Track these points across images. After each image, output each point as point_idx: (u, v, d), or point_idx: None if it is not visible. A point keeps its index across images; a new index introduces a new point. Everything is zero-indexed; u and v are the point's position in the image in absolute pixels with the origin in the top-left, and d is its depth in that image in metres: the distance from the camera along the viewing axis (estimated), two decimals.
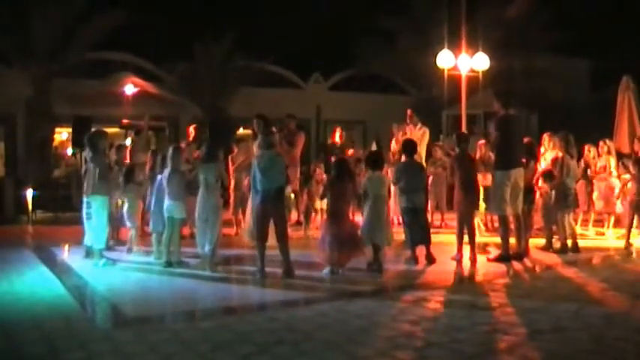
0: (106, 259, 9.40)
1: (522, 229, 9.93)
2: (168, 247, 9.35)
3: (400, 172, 9.43)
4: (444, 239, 10.61)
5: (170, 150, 9.64)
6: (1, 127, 21.86)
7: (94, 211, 9.35)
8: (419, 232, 9.37)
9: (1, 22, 17.77)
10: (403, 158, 9.80)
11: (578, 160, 11.64)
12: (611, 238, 11.99)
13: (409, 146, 9.80)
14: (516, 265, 9.39)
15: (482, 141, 12.23)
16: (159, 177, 9.78)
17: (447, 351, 5.56)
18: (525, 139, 10.38)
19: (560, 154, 10.76)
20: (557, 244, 10.53)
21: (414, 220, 9.34)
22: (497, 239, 10.03)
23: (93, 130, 11.04)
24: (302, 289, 7.98)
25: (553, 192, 10.41)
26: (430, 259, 9.35)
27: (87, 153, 9.55)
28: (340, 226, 8.63)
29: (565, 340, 5.85)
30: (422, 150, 11.80)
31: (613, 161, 12.41)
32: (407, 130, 12.25)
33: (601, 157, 12.51)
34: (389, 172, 10.37)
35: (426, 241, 9.45)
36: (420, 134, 12.06)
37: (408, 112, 12.44)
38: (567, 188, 10.44)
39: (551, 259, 9.94)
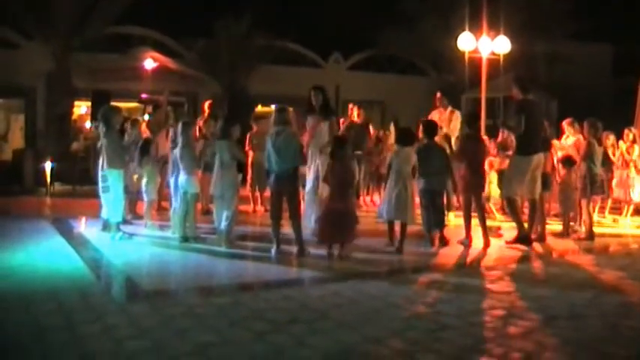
0: (122, 233, 9.48)
1: (539, 215, 9.89)
2: (184, 223, 9.41)
3: (419, 154, 9.37)
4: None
5: (180, 125, 9.69)
6: (21, 100, 21.98)
7: (111, 185, 9.42)
8: (435, 214, 9.33)
9: None
10: (424, 140, 9.72)
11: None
12: (628, 226, 11.91)
13: (429, 128, 9.70)
14: (532, 250, 9.34)
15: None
16: (173, 152, 9.82)
17: (461, 334, 5.56)
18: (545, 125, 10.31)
19: (582, 140, 10.70)
20: (576, 230, 10.52)
21: (430, 203, 9.30)
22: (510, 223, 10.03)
23: (106, 105, 11.04)
24: (317, 268, 7.98)
25: (579, 178, 10.36)
26: (443, 242, 9.34)
27: (100, 128, 9.59)
28: (336, 204, 8.55)
29: (580, 327, 5.84)
30: (454, 133, 11.59)
31: (637, 149, 12.27)
32: (436, 114, 11.97)
33: (625, 145, 12.38)
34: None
35: (441, 225, 9.42)
36: (451, 117, 11.82)
37: (438, 94, 12.15)
38: (594, 174, 10.37)
39: (568, 245, 9.89)
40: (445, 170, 9.46)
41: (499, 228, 10.86)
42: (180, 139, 9.46)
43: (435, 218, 9.32)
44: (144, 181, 10.67)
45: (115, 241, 9.28)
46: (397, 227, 9.14)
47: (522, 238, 9.45)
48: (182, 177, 9.39)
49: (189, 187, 9.41)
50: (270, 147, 8.57)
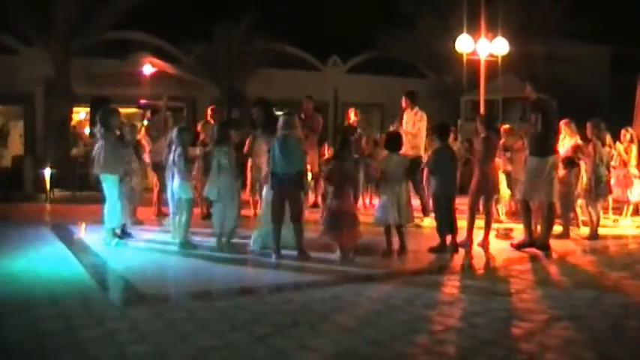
0: (118, 239, 9.43)
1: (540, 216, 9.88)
2: (181, 228, 9.31)
3: (435, 158, 9.35)
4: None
5: (175, 131, 9.58)
6: (20, 106, 21.97)
7: (105, 190, 9.32)
8: (447, 220, 9.28)
9: (21, 2, 17.79)
10: (436, 143, 9.61)
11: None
12: (628, 227, 11.90)
13: (442, 130, 9.54)
14: (534, 251, 9.30)
15: (507, 126, 12.13)
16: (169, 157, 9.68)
17: (463, 336, 5.55)
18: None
19: (579, 140, 10.72)
20: (576, 230, 10.54)
21: (445, 207, 9.26)
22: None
23: (104, 107, 10.88)
24: (317, 271, 7.99)
25: (586, 179, 10.40)
26: (455, 248, 9.17)
27: (98, 130, 9.49)
28: (339, 206, 8.60)
29: (582, 328, 5.84)
30: (422, 135, 11.54)
31: (634, 149, 12.25)
32: (405, 116, 11.91)
33: (622, 145, 12.35)
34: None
35: (453, 230, 9.24)
36: (416, 118, 11.63)
37: (403, 97, 12.01)
38: (600, 175, 10.39)
39: (569, 246, 9.88)
40: (455, 174, 9.40)
41: (511, 230, 10.79)
42: (174, 144, 9.36)
43: (448, 223, 9.28)
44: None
45: (110, 247, 9.20)
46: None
47: (528, 245, 9.34)
48: (176, 182, 9.29)
49: (183, 193, 9.27)
50: (278, 150, 8.53)
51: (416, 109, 11.69)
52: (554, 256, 9.16)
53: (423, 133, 11.63)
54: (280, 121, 8.79)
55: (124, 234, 9.78)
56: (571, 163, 10.54)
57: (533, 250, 9.23)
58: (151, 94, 20.10)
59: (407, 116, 11.77)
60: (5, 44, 20.39)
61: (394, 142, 9.26)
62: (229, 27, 22.56)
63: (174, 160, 9.30)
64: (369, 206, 13.96)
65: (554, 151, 9.41)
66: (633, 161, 12.19)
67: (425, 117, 11.66)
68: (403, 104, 11.85)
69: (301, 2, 26.16)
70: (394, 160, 9.01)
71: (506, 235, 10.33)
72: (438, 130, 9.58)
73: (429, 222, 11.03)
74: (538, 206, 9.50)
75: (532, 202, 9.40)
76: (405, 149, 11.11)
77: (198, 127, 12.03)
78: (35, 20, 18.19)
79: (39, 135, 20.28)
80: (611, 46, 28.05)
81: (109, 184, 9.30)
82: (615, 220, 12.30)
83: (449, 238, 9.16)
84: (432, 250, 9.11)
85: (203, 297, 6.79)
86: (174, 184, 9.33)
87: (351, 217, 8.64)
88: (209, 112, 12.76)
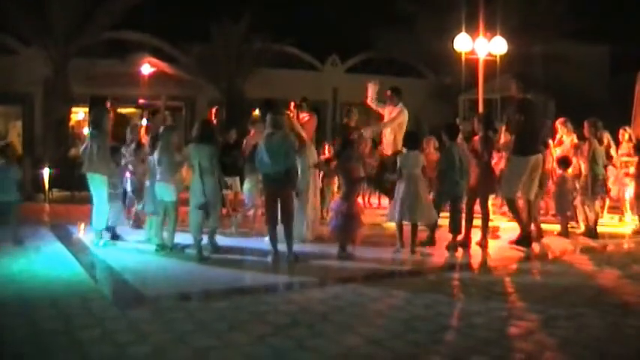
0: (106, 239, 9.37)
1: (533, 215, 9.89)
2: (161, 231, 9.14)
3: (444, 158, 9.34)
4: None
5: (161, 129, 9.37)
6: (19, 106, 21.99)
7: (93, 190, 9.20)
8: (453, 218, 9.28)
9: (20, 2, 17.80)
10: (446, 143, 9.54)
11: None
12: (627, 225, 11.90)
13: (451, 130, 9.51)
14: (531, 251, 9.31)
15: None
16: (150, 158, 9.38)
17: (461, 335, 5.56)
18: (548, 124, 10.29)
19: (576, 139, 10.74)
20: (575, 229, 10.55)
21: (451, 207, 9.25)
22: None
23: (96, 107, 10.69)
24: (316, 271, 7.97)
25: (583, 177, 10.42)
26: (455, 247, 9.21)
27: (89, 130, 9.37)
28: (349, 209, 8.63)
29: (580, 327, 5.83)
30: (399, 132, 11.14)
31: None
32: (386, 111, 11.71)
33: (621, 145, 12.33)
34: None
35: (457, 230, 9.29)
36: (394, 114, 11.34)
37: (388, 92, 11.73)
38: (597, 174, 10.41)
39: (567, 245, 9.89)
40: (466, 173, 9.32)
41: (497, 229, 10.86)
42: (160, 144, 9.02)
43: (453, 222, 9.27)
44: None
45: (99, 247, 9.13)
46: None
47: (524, 239, 9.38)
48: (159, 184, 9.02)
49: (166, 196, 9.00)
50: (264, 149, 8.38)
51: (400, 105, 11.47)
52: (553, 256, 9.19)
53: (401, 131, 11.23)
54: (267, 119, 8.63)
55: (114, 236, 9.70)
56: (565, 162, 10.55)
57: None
58: (149, 94, 20.15)
59: (388, 112, 11.55)
60: (4, 44, 20.40)
61: (412, 140, 9.30)
62: (228, 27, 22.59)
63: (159, 161, 8.98)
64: (368, 205, 13.99)
65: (537, 151, 9.41)
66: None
67: (404, 114, 11.45)
68: (388, 99, 11.65)
69: (300, 2, 26.17)
70: (411, 158, 9.02)
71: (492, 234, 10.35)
72: (448, 130, 9.54)
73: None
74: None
75: (517, 198, 9.48)
76: (386, 148, 11.17)
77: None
78: (34, 21, 18.22)
79: (38, 135, 20.30)
80: (609, 45, 28.07)
81: (97, 184, 9.18)
82: (621, 219, 12.26)
83: (459, 236, 9.26)
84: (448, 247, 9.20)
85: (202, 297, 6.79)
86: (157, 186, 9.04)
87: (358, 218, 8.71)
88: (213, 113, 12.60)
